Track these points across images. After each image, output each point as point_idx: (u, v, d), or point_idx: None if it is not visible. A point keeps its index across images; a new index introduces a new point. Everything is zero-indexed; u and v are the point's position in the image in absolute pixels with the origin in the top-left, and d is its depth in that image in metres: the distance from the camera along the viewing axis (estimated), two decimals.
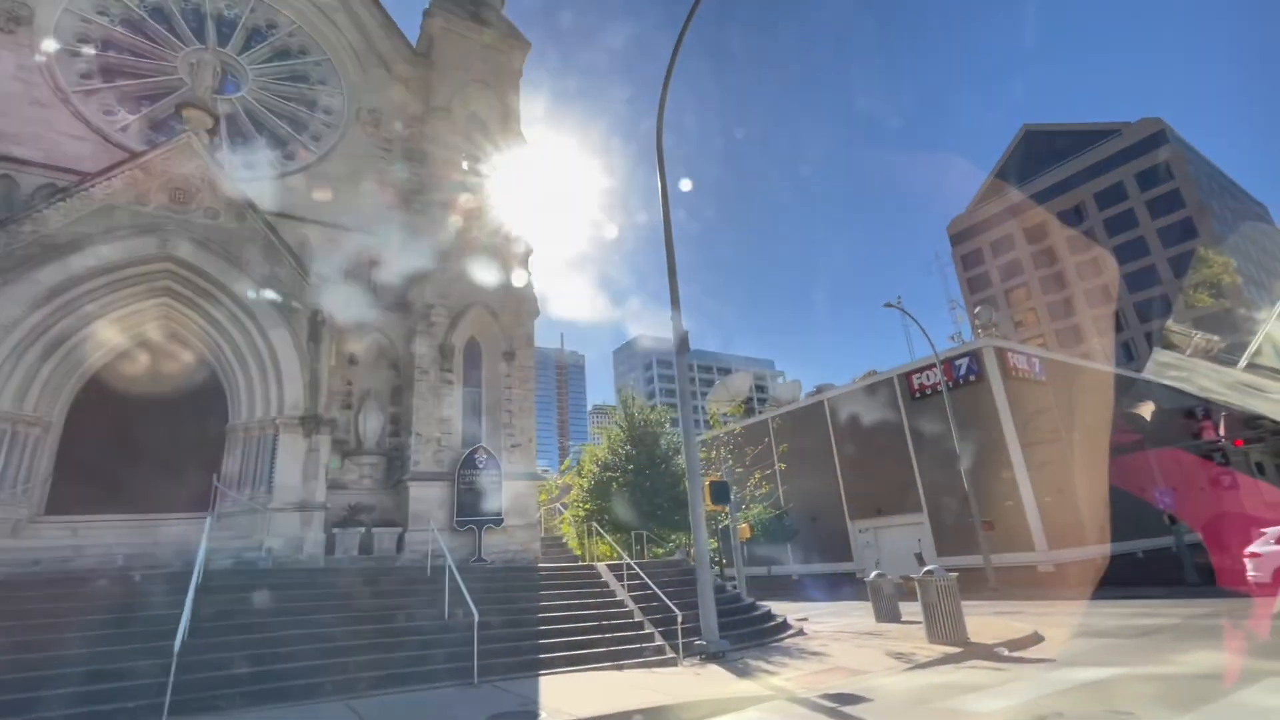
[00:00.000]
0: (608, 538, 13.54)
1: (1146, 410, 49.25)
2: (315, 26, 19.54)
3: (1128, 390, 44.92)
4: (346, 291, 16.74)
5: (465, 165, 19.95)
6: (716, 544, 20.94)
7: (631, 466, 19.64)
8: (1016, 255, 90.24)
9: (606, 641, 10.38)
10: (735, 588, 16.66)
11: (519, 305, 18.35)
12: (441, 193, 18.56)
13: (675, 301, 13.19)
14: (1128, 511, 34.80)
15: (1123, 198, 79.38)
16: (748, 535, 21.28)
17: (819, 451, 42.71)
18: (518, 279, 18.71)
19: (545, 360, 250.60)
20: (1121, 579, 31.66)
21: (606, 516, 19.60)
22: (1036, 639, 11.63)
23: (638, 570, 12.20)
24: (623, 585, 12.71)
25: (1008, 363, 33.71)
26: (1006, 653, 10.03)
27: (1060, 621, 14.41)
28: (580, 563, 14.54)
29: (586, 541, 22.24)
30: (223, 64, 17.50)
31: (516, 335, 18.03)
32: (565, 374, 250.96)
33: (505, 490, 16.19)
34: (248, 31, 18.65)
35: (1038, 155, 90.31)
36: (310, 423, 14.19)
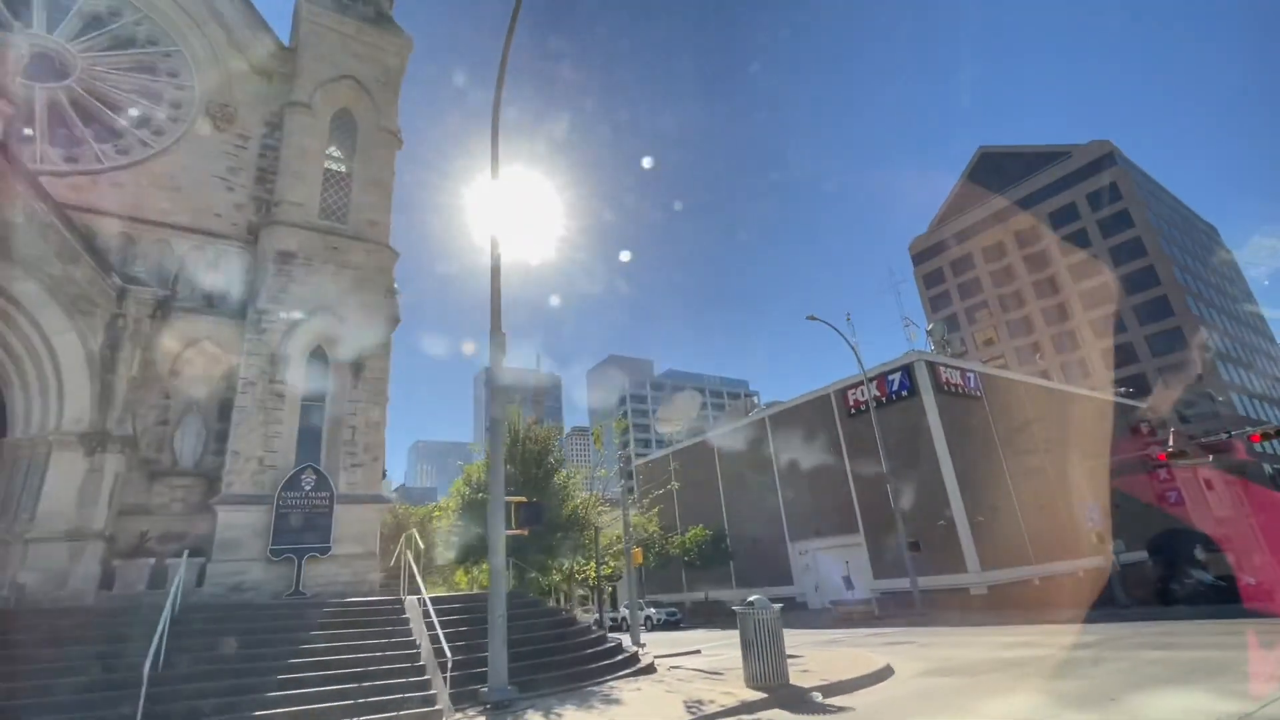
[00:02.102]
0: (416, 571, 11.95)
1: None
2: (168, 17, 18.28)
3: (1073, 406, 44.50)
4: (171, 295, 15.26)
5: (327, 165, 18.71)
6: (596, 574, 19.35)
7: (512, 488, 18.11)
8: (976, 274, 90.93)
9: (361, 692, 8.85)
10: (572, 616, 15.07)
11: (373, 313, 16.95)
12: (295, 192, 17.22)
13: (496, 308, 11.93)
14: (1069, 529, 33.95)
15: (1075, 218, 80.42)
16: (640, 560, 19.80)
17: (760, 471, 41.45)
18: (375, 285, 17.34)
19: (521, 381, 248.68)
20: (1058, 600, 30.58)
21: (477, 542, 18.05)
22: (881, 676, 10.32)
23: (431, 605, 10.67)
24: (426, 622, 11.19)
25: (940, 377, 32.87)
26: (818, 699, 8.70)
27: (933, 654, 13.13)
28: (394, 596, 12.92)
29: (473, 570, 20.62)
30: (39, 50, 16.11)
31: (368, 345, 16.59)
32: (543, 396, 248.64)
33: (339, 515, 14.63)
34: (85, 18, 17.32)
35: (994, 177, 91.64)
36: (94, 439, 12.58)
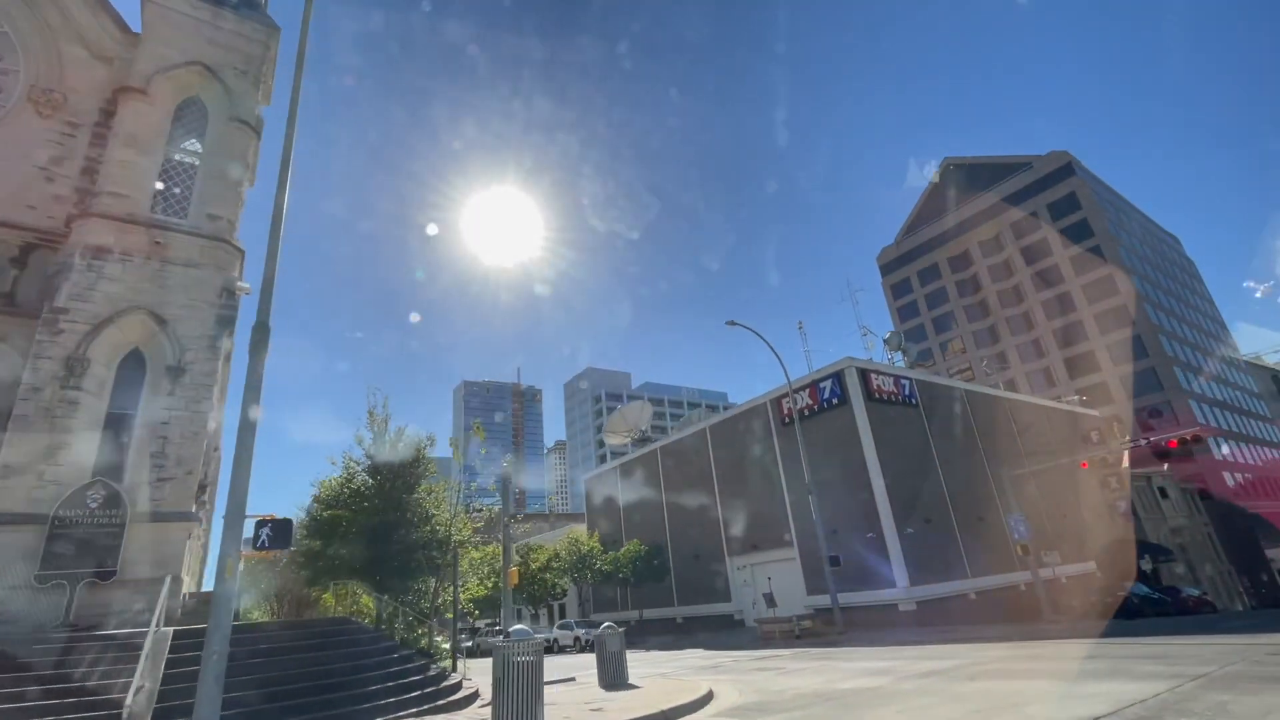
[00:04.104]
0: (163, 596, 10.54)
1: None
2: None
3: (1021, 414, 43.74)
4: None
5: (177, 156, 17.44)
6: (454, 596, 17.92)
7: (366, 504, 16.68)
8: (942, 284, 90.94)
9: None
10: (396, 644, 13.54)
11: (202, 313, 15.59)
12: (119, 183, 15.91)
13: (268, 289, 10.59)
14: (1011, 541, 32.85)
15: (1036, 228, 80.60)
16: (516, 581, 18.39)
17: (700, 484, 40.14)
18: (209, 284, 16.00)
19: (502, 393, 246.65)
20: (989, 615, 29.45)
21: (322, 563, 16.55)
22: (669, 716, 9.02)
23: (181, 639, 9.24)
24: (169, 659, 9.77)
25: (871, 384, 31.85)
26: None
27: (777, 683, 11.85)
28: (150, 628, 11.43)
29: (341, 592, 19.07)
30: None
31: (194, 348, 15.21)
32: (522, 407, 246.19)
33: (133, 535, 13.17)
34: None
35: (958, 187, 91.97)
36: None
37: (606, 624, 14.32)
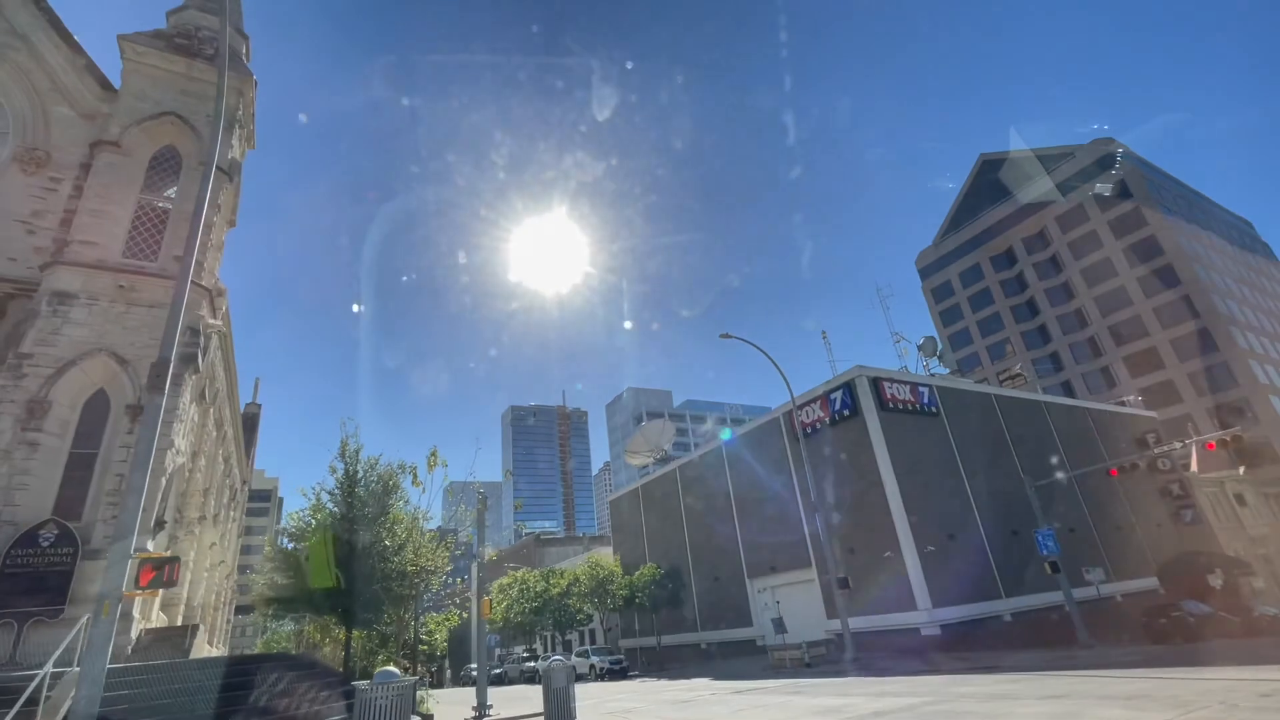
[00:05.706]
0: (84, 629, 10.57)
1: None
2: None
3: (1064, 419, 40.71)
4: None
5: (158, 203, 18.19)
6: (414, 630, 17.51)
7: (325, 536, 16.57)
8: (985, 284, 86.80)
9: None
10: (336, 672, 13.15)
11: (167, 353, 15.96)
12: (90, 231, 16.65)
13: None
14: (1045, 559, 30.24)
15: (1084, 220, 76.16)
16: (489, 612, 17.92)
17: (719, 503, 38.86)
18: (170, 324, 16.40)
19: (548, 417, 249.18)
20: (1023, 640, 26.99)
21: (284, 598, 16.50)
22: None
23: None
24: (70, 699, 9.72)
25: (884, 393, 30.18)
26: None
27: None
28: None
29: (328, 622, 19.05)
30: None
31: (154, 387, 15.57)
32: (569, 430, 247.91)
33: (86, 572, 13.43)
34: None
35: (998, 183, 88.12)
36: None
37: (555, 658, 13.67)
